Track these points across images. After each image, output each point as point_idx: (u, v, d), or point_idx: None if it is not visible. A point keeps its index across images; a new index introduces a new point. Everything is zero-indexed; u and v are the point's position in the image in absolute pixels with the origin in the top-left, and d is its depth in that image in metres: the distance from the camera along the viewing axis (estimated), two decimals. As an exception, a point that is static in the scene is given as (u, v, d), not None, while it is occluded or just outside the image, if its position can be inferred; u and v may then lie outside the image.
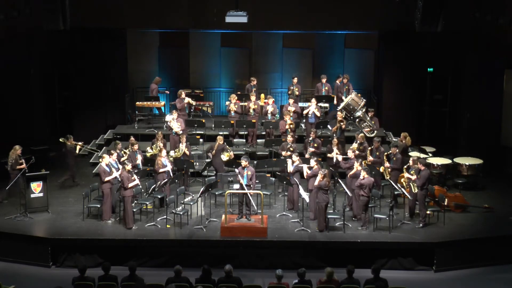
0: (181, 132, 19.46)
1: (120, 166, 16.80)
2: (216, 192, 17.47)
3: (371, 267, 13.17)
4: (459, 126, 22.25)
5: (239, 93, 22.02)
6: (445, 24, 17.82)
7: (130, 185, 16.14)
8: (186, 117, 20.87)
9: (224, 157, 18.37)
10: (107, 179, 16.50)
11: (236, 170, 16.91)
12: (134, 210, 16.50)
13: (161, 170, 17.37)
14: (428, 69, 22.93)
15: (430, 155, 19.61)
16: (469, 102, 21.94)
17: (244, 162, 16.62)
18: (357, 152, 18.10)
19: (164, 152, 17.71)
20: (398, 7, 19.92)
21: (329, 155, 18.53)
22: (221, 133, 20.20)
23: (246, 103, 21.11)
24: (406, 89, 22.90)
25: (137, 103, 22.43)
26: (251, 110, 20.83)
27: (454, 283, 15.17)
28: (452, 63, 22.61)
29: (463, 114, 22.11)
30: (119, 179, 16.37)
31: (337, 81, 22.06)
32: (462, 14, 20.42)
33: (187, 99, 20.97)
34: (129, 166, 16.32)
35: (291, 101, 20.70)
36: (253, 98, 20.99)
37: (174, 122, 19.61)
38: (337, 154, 18.07)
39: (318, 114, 20.55)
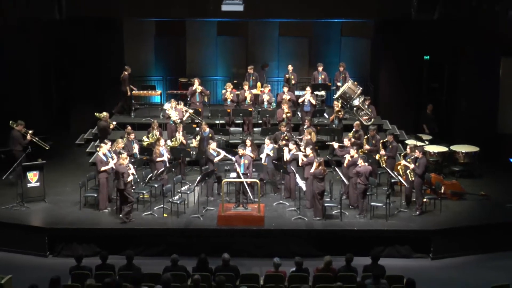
0: (179, 121, 19.45)
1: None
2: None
3: (368, 254, 13.21)
4: (456, 114, 22.22)
5: (235, 82, 21.97)
6: (441, 12, 17.78)
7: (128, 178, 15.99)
8: (197, 106, 20.77)
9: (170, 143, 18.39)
10: (103, 168, 16.47)
11: (233, 159, 16.91)
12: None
13: (158, 159, 17.36)
14: (425, 57, 22.88)
15: (427, 143, 19.62)
16: (466, 90, 21.92)
17: (241, 151, 16.63)
18: (352, 140, 18.11)
19: (162, 141, 17.69)
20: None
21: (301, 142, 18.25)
22: (217, 121, 20.18)
23: (239, 92, 21.08)
24: (403, 77, 22.86)
25: (134, 92, 22.36)
26: (248, 99, 20.80)
27: (451, 271, 15.19)
28: (449, 51, 22.57)
29: (459, 102, 22.10)
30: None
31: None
32: (459, 1, 20.39)
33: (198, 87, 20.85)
34: (124, 155, 16.27)
35: (285, 89, 20.69)
36: (246, 87, 20.95)
37: (172, 110, 19.59)
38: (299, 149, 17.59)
39: (313, 102, 20.54)
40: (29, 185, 17.18)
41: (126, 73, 22.06)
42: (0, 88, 21.18)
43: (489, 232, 16.16)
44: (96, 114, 19.85)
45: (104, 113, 19.76)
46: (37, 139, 18.32)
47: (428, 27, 21.35)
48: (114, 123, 19.78)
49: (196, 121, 20.05)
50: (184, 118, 19.69)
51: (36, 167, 17.36)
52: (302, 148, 17.34)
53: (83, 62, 22.56)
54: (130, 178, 15.98)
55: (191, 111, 19.96)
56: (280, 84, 23.14)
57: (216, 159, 17.39)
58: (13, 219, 16.25)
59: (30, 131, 18.32)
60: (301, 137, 18.27)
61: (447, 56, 22.82)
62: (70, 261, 13.65)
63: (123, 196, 15.97)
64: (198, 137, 18.72)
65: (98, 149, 17.26)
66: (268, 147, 17.58)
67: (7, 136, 18.33)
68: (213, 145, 17.58)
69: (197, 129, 19.71)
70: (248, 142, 17.35)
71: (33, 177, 17.24)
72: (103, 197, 16.64)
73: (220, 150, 17.55)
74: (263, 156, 17.57)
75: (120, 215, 16.08)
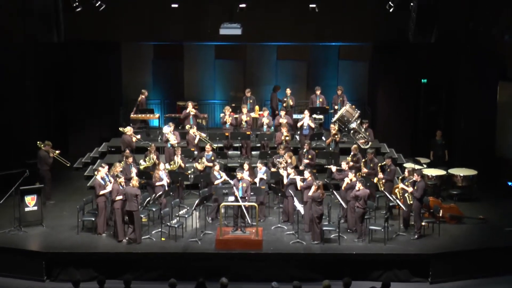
0: (176, 144, 19.47)
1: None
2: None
3: (367, 278, 13.16)
4: (454, 137, 22.26)
5: (233, 105, 22.02)
6: (439, 35, 17.89)
7: (118, 198, 16.09)
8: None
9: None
10: (101, 192, 16.46)
11: (231, 182, 16.90)
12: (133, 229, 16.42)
13: (157, 184, 17.35)
14: (422, 80, 22.97)
15: (425, 166, 19.62)
16: (463, 113, 21.98)
17: (239, 174, 16.63)
18: (351, 163, 18.13)
19: (162, 166, 17.69)
20: (392, 19, 19.98)
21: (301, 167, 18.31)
22: (215, 145, 20.19)
23: (238, 115, 21.12)
24: (401, 100, 22.96)
25: (132, 115, 22.40)
26: (244, 122, 20.83)
27: (449, 295, 15.17)
28: (446, 74, 22.67)
29: (457, 125, 22.13)
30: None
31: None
32: (456, 25, 20.54)
33: (192, 110, 20.94)
34: (121, 179, 16.29)
35: (282, 113, 20.74)
36: (244, 110, 21.00)
37: (171, 134, 19.63)
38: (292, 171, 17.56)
39: (312, 125, 20.59)
40: (26, 209, 17.11)
41: (143, 96, 22.27)
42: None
43: (488, 256, 16.09)
44: (121, 129, 20.22)
45: (128, 128, 19.95)
46: (62, 158, 19.11)
47: (426, 50, 21.46)
48: (139, 136, 20.03)
49: (200, 145, 19.97)
50: (195, 142, 19.64)
51: (34, 191, 17.31)
52: (289, 169, 17.32)
53: (81, 85, 22.62)
54: (120, 197, 16.10)
55: (203, 135, 19.96)
56: (278, 107, 23.17)
57: (216, 182, 17.39)
58: (10, 244, 16.15)
59: (57, 151, 18.86)
60: (279, 160, 18.31)
61: (444, 80, 22.92)
62: (67, 286, 13.59)
63: (135, 217, 15.97)
64: (202, 160, 18.68)
65: (96, 173, 17.24)
66: (261, 171, 17.60)
67: (5, 158, 18.27)
68: (217, 167, 17.60)
69: (196, 152, 19.75)
70: (246, 166, 17.36)
71: (30, 201, 17.19)
72: (101, 221, 16.59)
73: (222, 173, 17.58)
74: (257, 180, 17.58)
75: (127, 237, 16.10)
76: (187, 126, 20.18)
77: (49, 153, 18.71)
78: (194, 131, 19.90)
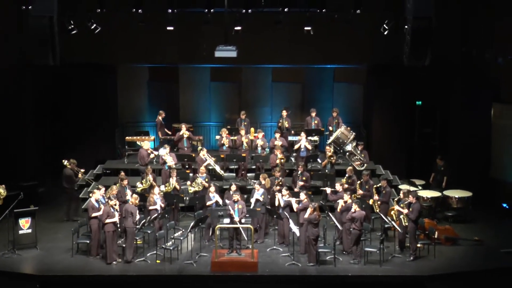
0: (173, 166, 19.48)
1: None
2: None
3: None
4: (448, 159, 22.30)
5: (229, 127, 22.07)
6: (433, 58, 17.98)
7: (107, 221, 16.07)
8: (185, 151, 20.95)
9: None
10: (94, 215, 16.42)
11: (227, 201, 16.89)
12: (124, 245, 16.39)
13: (151, 208, 17.31)
14: (417, 102, 23.05)
15: (420, 188, 19.64)
16: (458, 135, 22.05)
17: (236, 196, 16.64)
18: (346, 185, 18.16)
19: (156, 189, 17.68)
20: (387, 42, 20.09)
21: (295, 189, 18.47)
22: (210, 167, 20.17)
23: (236, 137, 21.15)
24: (395, 122, 23.03)
25: (127, 137, 22.41)
26: (245, 144, 20.88)
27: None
28: (441, 96, 22.76)
29: (452, 147, 22.17)
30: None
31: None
32: (449, 48, 20.65)
33: (185, 132, 21.03)
34: (112, 202, 16.28)
35: (277, 135, 20.79)
36: (242, 132, 21.05)
37: (168, 156, 19.64)
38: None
39: (309, 147, 20.64)
40: (20, 232, 17.06)
41: (160, 117, 22.34)
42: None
43: (483, 277, 16.06)
44: (138, 143, 21.02)
45: (145, 142, 20.44)
46: (87, 177, 20.07)
47: (420, 73, 21.56)
48: (156, 153, 20.20)
49: (209, 167, 19.90)
50: (204, 165, 19.65)
51: (28, 213, 17.26)
52: (284, 190, 17.36)
53: (77, 107, 22.65)
54: (138, 217, 16.27)
55: (213, 158, 19.94)
56: (274, 129, 23.22)
57: (208, 203, 17.39)
58: (5, 267, 16.07)
59: (82, 170, 19.35)
60: (255, 180, 18.36)
61: (439, 101, 23.01)
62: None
63: (128, 235, 16.04)
64: (196, 182, 18.64)
65: (90, 195, 17.21)
66: (259, 192, 17.58)
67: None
68: (212, 188, 17.60)
69: (191, 174, 19.74)
70: (234, 187, 17.36)
71: (25, 224, 17.14)
72: (95, 243, 16.54)
73: (216, 195, 17.58)
74: (252, 200, 17.56)
75: (126, 258, 16.17)
76: (199, 149, 20.20)
77: (74, 171, 19.17)
78: (204, 154, 19.86)
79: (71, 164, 19.22)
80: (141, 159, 20.03)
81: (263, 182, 17.99)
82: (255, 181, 18.40)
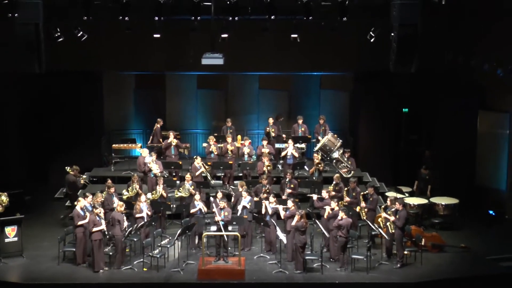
0: (159, 174, 19.43)
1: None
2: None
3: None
4: (435, 166, 22.37)
5: (216, 134, 22.03)
6: (419, 65, 18.05)
7: (95, 229, 16.01)
8: (172, 159, 20.90)
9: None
10: (79, 223, 16.36)
11: (214, 209, 16.85)
12: (111, 253, 16.33)
13: (138, 215, 17.24)
14: (403, 109, 23.12)
15: (407, 195, 19.69)
16: (444, 142, 22.12)
17: (222, 203, 16.63)
18: (333, 193, 18.17)
19: (143, 197, 17.62)
20: (373, 49, 20.14)
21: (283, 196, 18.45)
22: (197, 174, 20.12)
23: (223, 145, 21.12)
24: (382, 129, 23.08)
25: (114, 145, 22.34)
26: (229, 152, 20.86)
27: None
28: (427, 103, 22.84)
29: (438, 154, 22.22)
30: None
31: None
32: (435, 55, 20.72)
33: (173, 140, 20.99)
34: (98, 210, 16.22)
35: (264, 142, 20.78)
36: (229, 139, 21.04)
37: (154, 163, 19.58)
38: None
39: (296, 155, 20.65)
40: (6, 240, 16.96)
41: (158, 125, 22.28)
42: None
43: (470, 284, 16.10)
44: (138, 149, 21.46)
45: (144, 150, 20.36)
46: (88, 182, 20.19)
47: (407, 80, 21.64)
48: (84, 176, 20.06)
49: (203, 174, 19.90)
50: (197, 173, 19.61)
51: (14, 221, 17.16)
52: (271, 198, 17.34)
53: (63, 115, 22.53)
54: (126, 224, 16.22)
55: (207, 167, 19.91)
56: (260, 136, 23.21)
57: (192, 211, 17.34)
58: (-10, 275, 16.00)
59: (84, 176, 19.67)
60: (235, 187, 18.38)
61: (425, 109, 23.08)
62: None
63: (116, 242, 16.04)
64: (184, 188, 18.61)
65: (76, 203, 17.13)
66: (246, 199, 17.56)
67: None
68: (197, 196, 17.56)
69: (178, 182, 19.69)
70: (220, 195, 17.33)
71: (11, 232, 17.04)
72: (80, 251, 16.46)
73: (200, 202, 17.53)
74: (239, 207, 17.54)
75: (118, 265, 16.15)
76: (195, 157, 20.17)
77: (77, 177, 19.30)
78: (198, 162, 19.81)
79: (74, 170, 19.34)
80: (138, 166, 20.05)
81: (240, 189, 17.94)
82: (233, 186, 18.33)
